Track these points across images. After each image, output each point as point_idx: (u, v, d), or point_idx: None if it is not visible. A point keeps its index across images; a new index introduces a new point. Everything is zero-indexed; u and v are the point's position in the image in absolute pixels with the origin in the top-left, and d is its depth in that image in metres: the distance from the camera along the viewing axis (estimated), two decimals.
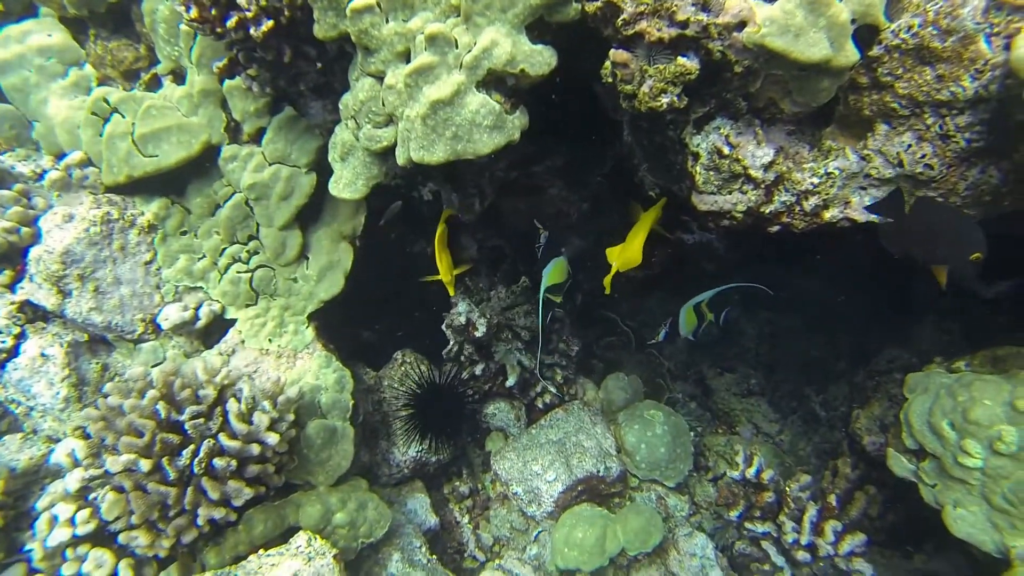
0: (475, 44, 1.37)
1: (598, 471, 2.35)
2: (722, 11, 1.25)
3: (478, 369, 2.52)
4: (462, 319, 2.34)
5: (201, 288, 2.19)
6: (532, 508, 2.33)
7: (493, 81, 1.41)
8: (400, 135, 1.58)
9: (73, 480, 1.83)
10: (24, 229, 2.00)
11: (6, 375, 1.98)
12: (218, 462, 1.74)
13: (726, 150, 1.44)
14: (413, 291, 2.83)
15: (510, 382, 2.55)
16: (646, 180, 1.86)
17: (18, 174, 2.15)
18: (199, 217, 2.18)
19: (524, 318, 2.49)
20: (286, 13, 1.58)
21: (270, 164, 2.10)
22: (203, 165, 2.13)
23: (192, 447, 1.75)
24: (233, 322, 2.21)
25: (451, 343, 2.44)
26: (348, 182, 1.81)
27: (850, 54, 1.24)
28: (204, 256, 2.19)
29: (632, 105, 1.37)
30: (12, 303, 2.00)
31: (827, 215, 1.42)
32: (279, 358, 2.17)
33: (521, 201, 2.47)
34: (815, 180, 1.39)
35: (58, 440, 2.05)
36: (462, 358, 2.51)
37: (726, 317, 2.29)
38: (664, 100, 1.31)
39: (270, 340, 2.19)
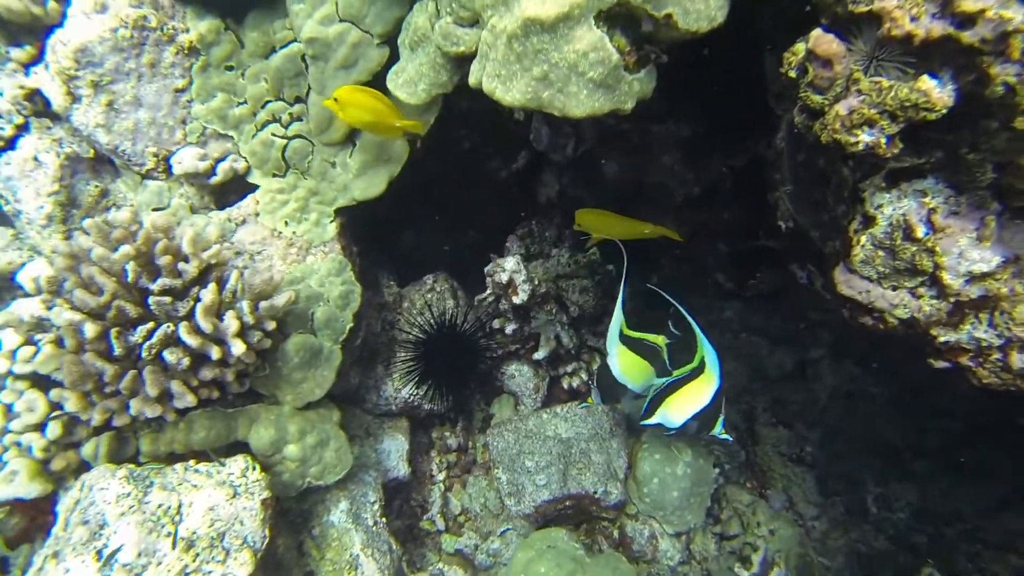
0: None
1: (595, 492, 2.03)
2: None
3: (509, 328, 2.18)
4: (504, 276, 1.96)
5: (231, 138, 1.88)
6: (511, 501, 2.05)
7: (622, 17, 0.94)
8: (481, 46, 1.14)
9: (28, 310, 1.64)
10: (51, 3, 1.70)
11: None
12: (168, 355, 1.49)
13: (920, 231, 0.95)
14: (474, 210, 2.47)
15: (539, 355, 2.21)
16: (781, 205, 1.38)
17: None
18: (251, 55, 1.82)
19: (579, 294, 2.09)
20: None
21: (340, 20, 1.69)
22: None
23: (147, 327, 1.50)
24: (255, 188, 1.91)
25: (488, 291, 2.09)
26: (409, 80, 1.40)
27: None
28: (245, 103, 1.86)
29: (808, 124, 0.88)
30: (22, 87, 1.75)
31: None
32: (290, 246, 1.88)
33: (625, 159, 1.99)
34: None
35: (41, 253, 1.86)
36: (497, 309, 2.16)
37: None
38: (865, 138, 0.82)
39: (286, 223, 1.89)
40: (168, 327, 1.51)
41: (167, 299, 1.53)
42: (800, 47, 0.88)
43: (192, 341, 1.51)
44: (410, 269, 2.41)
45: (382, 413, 2.21)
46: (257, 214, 1.90)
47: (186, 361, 1.51)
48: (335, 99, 1.58)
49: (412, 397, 2.14)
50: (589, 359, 2.37)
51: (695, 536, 2.29)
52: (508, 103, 1.05)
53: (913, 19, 0.76)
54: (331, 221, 1.91)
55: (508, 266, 1.95)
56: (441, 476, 2.29)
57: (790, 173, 1.31)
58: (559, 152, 1.87)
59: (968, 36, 0.74)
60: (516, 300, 1.96)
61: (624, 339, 1.67)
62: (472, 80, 1.19)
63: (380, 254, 2.33)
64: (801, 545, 2.27)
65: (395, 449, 2.14)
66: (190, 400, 1.52)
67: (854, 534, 2.47)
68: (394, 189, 1.90)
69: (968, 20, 0.74)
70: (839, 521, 2.50)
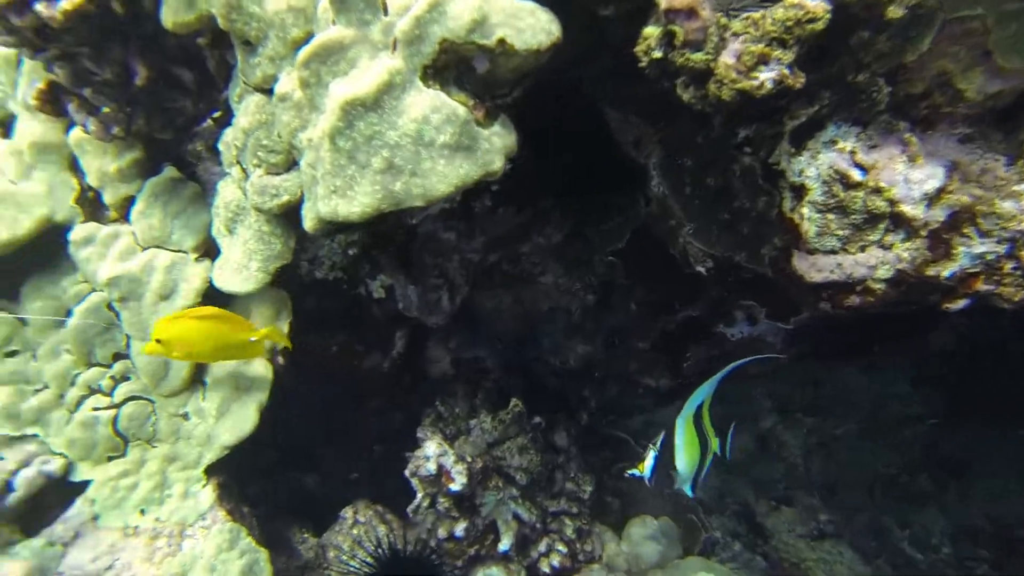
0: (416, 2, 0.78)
1: None
2: None
3: (459, 529, 1.78)
4: (431, 466, 1.64)
5: (36, 436, 1.48)
6: None
7: (452, 66, 0.81)
8: (304, 179, 0.96)
9: None
10: None
11: None
12: None
13: (855, 175, 0.84)
14: (368, 417, 2.16)
15: (503, 545, 1.81)
16: (691, 249, 1.25)
17: None
18: (40, 330, 1.51)
19: (519, 455, 1.79)
20: None
21: (143, 248, 1.46)
22: (45, 252, 1.49)
23: None
24: (86, 486, 1.49)
25: (419, 496, 1.72)
26: (238, 266, 1.17)
27: None
28: (46, 387, 1.50)
29: (701, 94, 0.77)
30: None
31: None
32: (154, 539, 1.44)
33: (505, 295, 1.84)
34: None
35: None
36: (436, 515, 1.78)
37: (731, 442, 1.43)
38: (766, 75, 0.71)
39: (142, 511, 1.47)
40: None
41: None
42: (651, 29, 0.80)
43: None
44: (324, 512, 2.00)
45: None
46: (95, 517, 1.46)
47: None
48: (157, 340, 1.26)
49: None
50: (559, 526, 2.00)
51: None
52: (359, 217, 0.84)
53: None
54: (203, 486, 1.52)
55: (430, 452, 1.64)
56: None
57: (684, 211, 1.20)
58: (435, 311, 1.68)
59: None
60: (454, 487, 1.62)
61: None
62: (308, 225, 0.98)
63: (282, 508, 1.92)
64: None
65: None
66: None
67: None
68: (272, 424, 1.58)
69: None
70: None
